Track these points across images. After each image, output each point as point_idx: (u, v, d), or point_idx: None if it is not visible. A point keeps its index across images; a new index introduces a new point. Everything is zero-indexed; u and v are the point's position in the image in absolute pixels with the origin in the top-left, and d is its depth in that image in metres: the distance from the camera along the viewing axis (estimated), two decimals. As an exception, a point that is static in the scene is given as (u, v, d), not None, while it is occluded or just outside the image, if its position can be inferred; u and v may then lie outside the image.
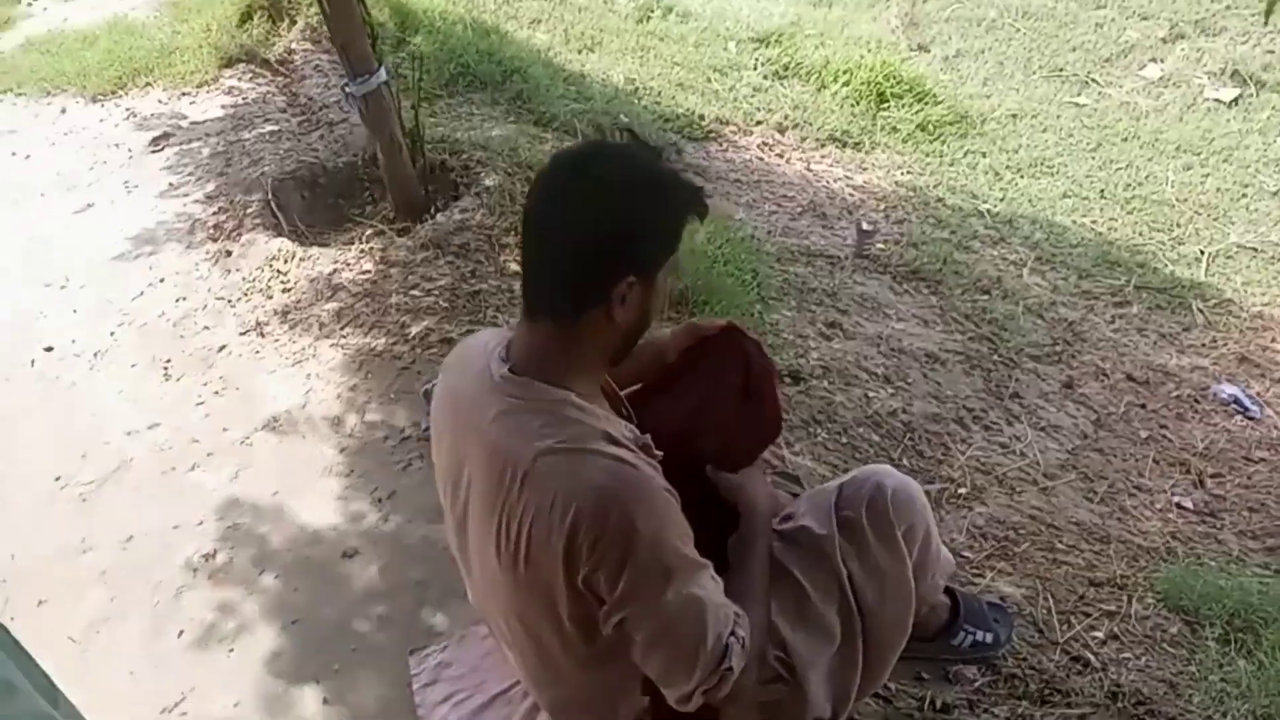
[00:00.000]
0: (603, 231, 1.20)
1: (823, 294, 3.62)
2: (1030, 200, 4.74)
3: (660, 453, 1.31)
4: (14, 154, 4.20)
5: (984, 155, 5.17)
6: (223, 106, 4.18)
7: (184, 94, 4.38)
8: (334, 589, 2.13)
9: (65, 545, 2.36)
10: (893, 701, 1.78)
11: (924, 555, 1.58)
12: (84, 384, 2.87)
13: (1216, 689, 1.94)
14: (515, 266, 2.96)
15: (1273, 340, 3.80)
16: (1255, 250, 4.33)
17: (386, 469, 2.39)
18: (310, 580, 2.16)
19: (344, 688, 1.93)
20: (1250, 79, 5.52)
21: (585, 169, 1.24)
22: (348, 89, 2.99)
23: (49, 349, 3.02)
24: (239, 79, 4.42)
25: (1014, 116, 5.49)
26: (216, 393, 2.72)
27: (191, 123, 4.09)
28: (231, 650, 2.04)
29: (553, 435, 1.21)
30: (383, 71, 3.01)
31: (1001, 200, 4.75)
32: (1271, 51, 5.78)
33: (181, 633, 2.10)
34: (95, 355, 2.96)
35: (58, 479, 2.54)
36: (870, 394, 3.05)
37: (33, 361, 2.98)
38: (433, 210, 3.19)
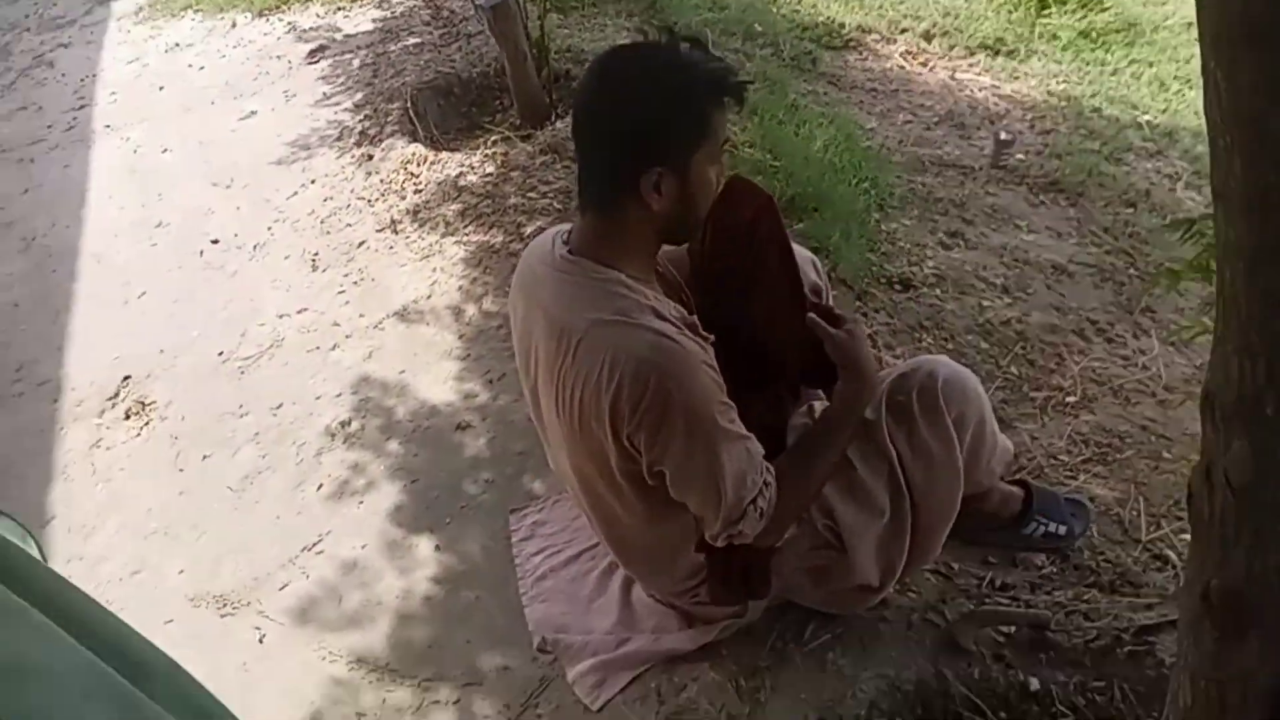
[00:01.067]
0: (620, 126, 1.29)
1: (949, 204, 3.54)
2: (1196, 112, 4.40)
3: (710, 336, 1.40)
4: (189, 65, 4.60)
5: (1150, 65, 4.82)
6: (373, 20, 4.43)
7: (339, 8, 4.66)
8: (448, 456, 2.35)
9: (226, 410, 2.68)
10: (952, 579, 1.83)
11: (977, 443, 1.61)
12: (244, 273, 3.19)
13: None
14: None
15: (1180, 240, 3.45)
16: None
17: (498, 354, 2.58)
18: (428, 448, 2.39)
19: (454, 538, 2.14)
20: None
21: (605, 69, 1.34)
22: (477, 2, 3.13)
23: (215, 241, 3.36)
24: (390, -6, 4.67)
25: (1189, 25, 5.07)
26: (356, 283, 2.98)
27: (345, 35, 4.36)
28: (361, 503, 2.29)
29: (604, 309, 1.33)
30: (510, -17, 3.13)
31: (1164, 112, 4.44)
32: None
33: (320, 486, 2.37)
34: (254, 248, 3.28)
35: (220, 354, 2.87)
36: (985, 303, 3.00)
37: (201, 252, 3.33)
38: (555, 118, 3.32)
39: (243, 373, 2.78)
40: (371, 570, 2.12)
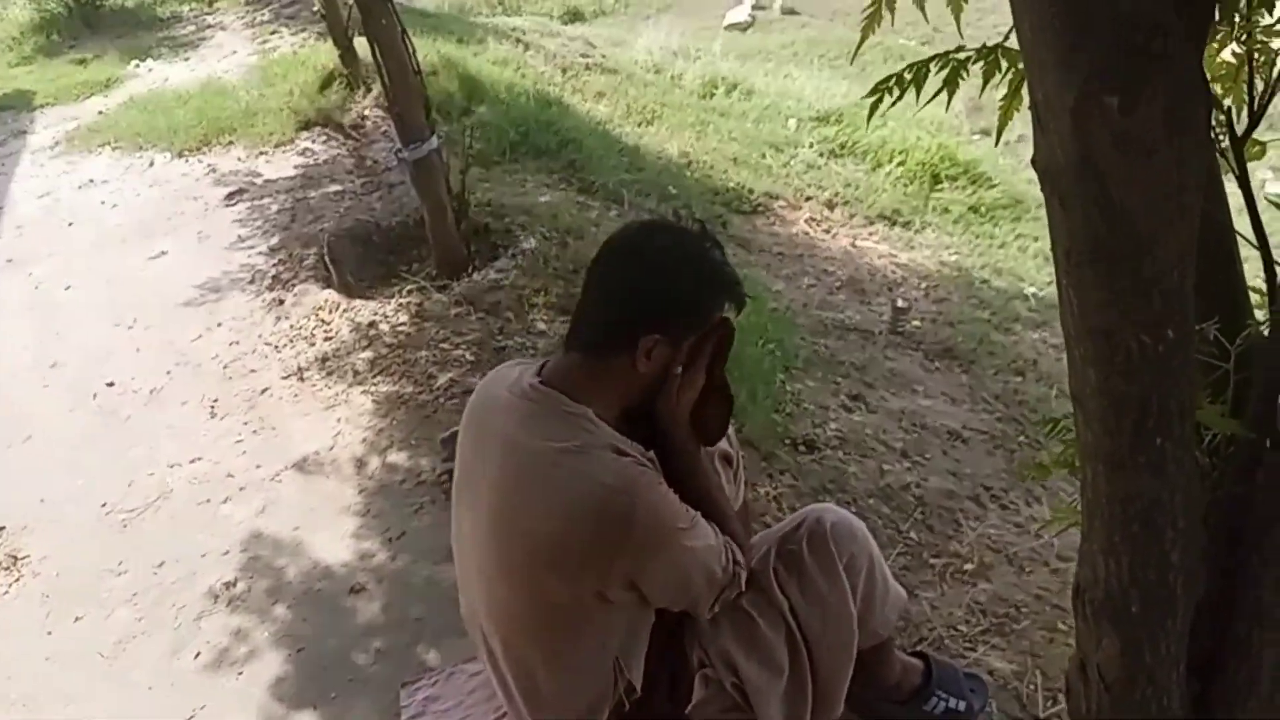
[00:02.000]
0: (641, 290, 1.38)
1: (850, 367, 3.67)
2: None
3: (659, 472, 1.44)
4: (103, 202, 4.55)
5: (1035, 239, 5.19)
6: (295, 166, 4.49)
7: (262, 153, 4.71)
8: (339, 621, 2.25)
9: (104, 567, 2.53)
10: (858, 762, 1.80)
11: (869, 587, 1.63)
12: (138, 418, 3.08)
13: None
14: (543, 325, 3.10)
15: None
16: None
17: (400, 511, 2.51)
18: (318, 612, 2.28)
19: (339, 714, 2.02)
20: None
21: (645, 235, 1.45)
22: (400, 154, 3.21)
23: (110, 384, 3.25)
24: (313, 141, 4.74)
25: (1068, 202, 5.50)
26: (255, 432, 2.90)
27: (265, 180, 4.39)
28: (241, 673, 2.16)
29: (569, 440, 1.36)
30: (434, 139, 3.23)
31: (1049, 284, 4.75)
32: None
33: (198, 655, 2.23)
34: (151, 392, 3.18)
35: (104, 505, 2.73)
36: (885, 466, 3.08)
37: (95, 395, 3.21)
38: (471, 269, 3.37)
39: (125, 526, 2.65)
40: (247, 751, 1.98)
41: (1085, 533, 0.84)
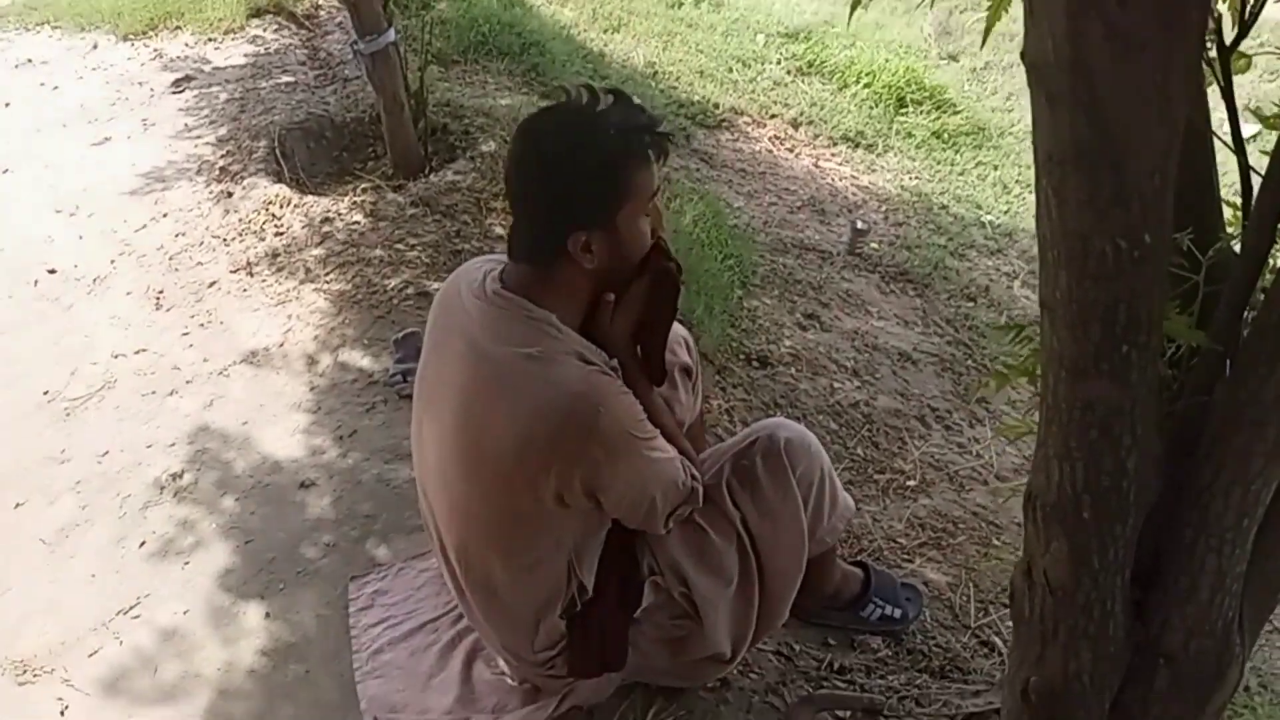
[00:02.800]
0: (543, 191, 1.34)
1: (807, 286, 3.69)
2: (1034, 215, 4.76)
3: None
4: (42, 84, 4.33)
5: (995, 168, 5.20)
6: (245, 55, 4.30)
7: (210, 39, 4.50)
8: (288, 516, 2.24)
9: (46, 454, 2.48)
10: (794, 660, 1.86)
11: (819, 499, 1.68)
12: (81, 307, 2.99)
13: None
14: (500, 230, 3.05)
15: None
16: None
17: (351, 409, 2.49)
18: (267, 506, 2.27)
19: (286, 605, 2.03)
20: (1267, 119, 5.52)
21: (528, 132, 1.37)
22: (355, 46, 3.09)
23: (52, 271, 3.14)
24: (264, 29, 4.54)
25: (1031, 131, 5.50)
26: (202, 325, 2.83)
27: (214, 68, 4.21)
28: (187, 563, 2.15)
29: (532, 345, 1.36)
30: (391, 33, 3.11)
31: (1006, 213, 4.79)
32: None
33: (143, 544, 2.21)
34: (94, 281, 3.08)
35: (45, 393, 2.66)
36: (836, 384, 3.13)
37: (36, 282, 3.11)
38: (428, 170, 3.29)
39: (68, 415, 2.59)
40: (192, 639, 1.98)
41: (1041, 439, 0.85)
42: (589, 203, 1.33)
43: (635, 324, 1.46)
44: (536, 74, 4.42)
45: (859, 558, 2.18)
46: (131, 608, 2.07)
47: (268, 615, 2.01)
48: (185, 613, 2.03)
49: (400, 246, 2.92)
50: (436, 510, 1.60)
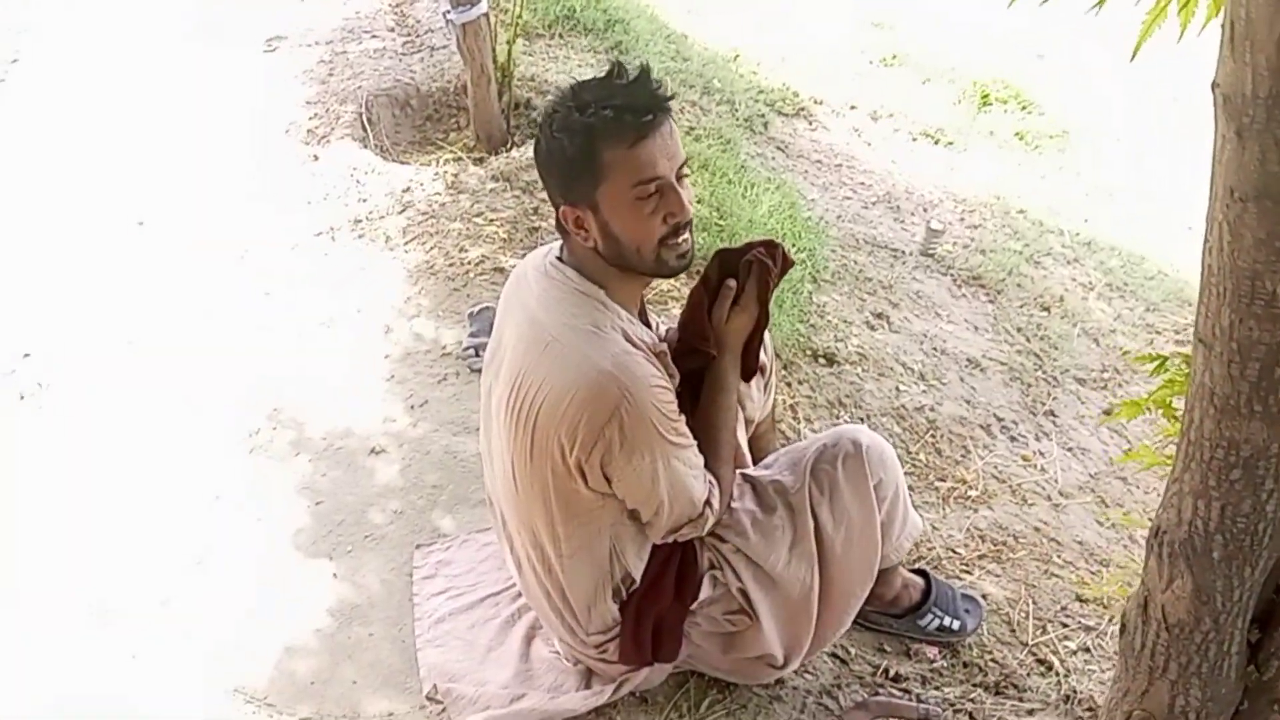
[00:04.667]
0: (540, 171, 1.44)
1: (878, 284, 3.65)
2: (1115, 225, 4.65)
3: (672, 370, 1.46)
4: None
5: (1078, 174, 5.08)
6: (337, 16, 4.36)
7: None
8: (358, 480, 2.30)
9: (129, 403, 2.57)
10: (849, 664, 1.87)
11: (892, 511, 1.67)
12: (168, 262, 3.08)
13: (1169, 715, 1.99)
14: (578, 210, 3.07)
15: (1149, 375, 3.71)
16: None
17: (423, 379, 2.54)
18: (338, 469, 2.33)
19: (353, 568, 2.09)
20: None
21: (545, 115, 1.42)
22: (448, 15, 3.12)
23: (141, 224, 3.24)
24: (356, -10, 4.58)
25: (1118, 139, 5.36)
26: (284, 285, 2.90)
27: (305, 28, 4.27)
28: (259, 519, 2.22)
29: (579, 317, 1.39)
30: (484, 3, 3.13)
31: (1085, 221, 4.67)
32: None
33: (218, 496, 2.29)
34: (182, 235, 3.17)
35: (130, 341, 2.75)
36: (901, 387, 3.10)
37: (129, 231, 3.20)
38: (510, 144, 3.31)
39: (151, 364, 2.68)
40: (260, 595, 2.04)
41: (1176, 474, 0.84)
42: (564, 180, 1.38)
43: (750, 320, 1.49)
44: (620, 52, 4.41)
45: (919, 565, 2.16)
46: (203, 560, 2.14)
47: (335, 576, 2.07)
48: (255, 568, 2.10)
49: (479, 220, 2.96)
50: (497, 482, 1.64)
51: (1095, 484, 3.03)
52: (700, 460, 1.47)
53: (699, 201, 3.39)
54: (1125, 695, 0.93)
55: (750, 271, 1.47)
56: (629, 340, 1.40)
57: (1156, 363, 1.02)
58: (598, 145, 1.32)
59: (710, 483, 1.50)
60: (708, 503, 1.49)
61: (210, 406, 2.52)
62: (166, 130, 3.74)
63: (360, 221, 3.06)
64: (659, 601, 1.61)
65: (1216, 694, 0.87)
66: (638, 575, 1.56)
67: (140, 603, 2.03)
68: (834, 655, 1.89)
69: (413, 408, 2.47)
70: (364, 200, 3.14)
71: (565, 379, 1.37)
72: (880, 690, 1.78)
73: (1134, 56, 0.99)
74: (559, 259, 1.46)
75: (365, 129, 3.46)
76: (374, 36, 4.12)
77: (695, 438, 1.47)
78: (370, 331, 2.71)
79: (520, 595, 1.94)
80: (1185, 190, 4.92)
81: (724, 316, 1.50)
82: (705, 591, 1.64)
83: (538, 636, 1.87)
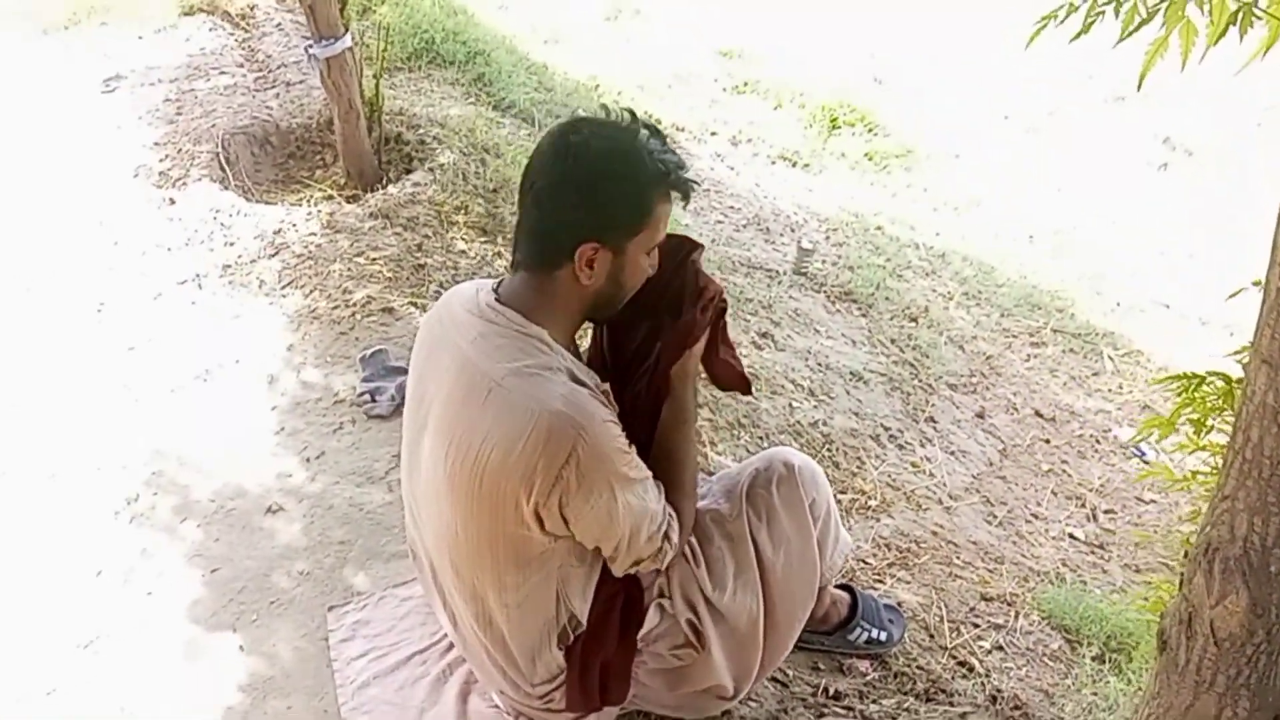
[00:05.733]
0: (569, 197, 1.32)
1: (758, 305, 3.73)
2: (964, 237, 4.93)
3: (615, 407, 1.42)
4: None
5: (925, 190, 5.36)
6: (179, 54, 4.12)
7: (140, 37, 4.29)
8: (256, 543, 2.15)
9: (-18, 478, 2.33)
10: (789, 686, 1.88)
11: (825, 530, 1.69)
12: (15, 321, 2.81)
13: (1088, 701, 2.09)
14: (463, 245, 2.99)
15: (1177, 393, 4.03)
16: (1167, 307, 4.59)
17: (317, 430, 2.41)
18: (232, 532, 2.17)
19: (261, 637, 1.95)
20: (1180, 147, 5.84)
21: (564, 136, 1.34)
22: (311, 50, 3.00)
23: (-20, 280, 2.95)
24: (198, 28, 4.35)
25: (957, 156, 5.70)
26: (149, 339, 2.70)
27: (146, 67, 4.02)
28: (150, 594, 2.04)
29: (523, 360, 1.34)
30: (348, 37, 3.03)
31: (937, 235, 4.93)
32: (1203, 123, 6.11)
33: (100, 573, 2.09)
34: (26, 290, 2.90)
35: (-23, 409, 2.50)
36: (795, 404, 3.17)
37: (-41, 289, 2.92)
38: (385, 181, 3.21)
39: (6, 432, 2.43)
40: (162, 675, 1.88)
41: (1228, 492, 0.85)
42: (611, 219, 1.33)
43: (707, 351, 1.48)
44: (483, 84, 4.36)
45: (843, 581, 2.20)
46: (91, 642, 1.95)
47: (241, 648, 1.92)
48: (151, 646, 1.93)
49: (360, 260, 2.84)
50: (427, 537, 1.56)
51: (979, 485, 3.18)
52: (658, 493, 1.45)
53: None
54: (1167, 711, 0.94)
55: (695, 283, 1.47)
56: (575, 380, 1.36)
57: (1194, 384, 1.04)
58: (656, 197, 1.33)
59: (670, 515, 1.47)
60: (665, 536, 1.46)
61: (79, 476, 2.31)
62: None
63: (229, 267, 2.89)
64: (605, 643, 1.56)
65: (1264, 703, 0.89)
66: (583, 617, 1.52)
67: (23, 694, 1.83)
68: (774, 680, 1.89)
69: (309, 460, 2.33)
70: (231, 244, 2.96)
71: (514, 426, 1.31)
72: (825, 710, 1.79)
73: (1139, 86, 1.01)
74: (497, 299, 1.40)
75: (224, 169, 3.28)
76: (222, 73, 3.92)
77: (655, 470, 1.44)
78: (252, 383, 2.55)
79: (451, 649, 1.86)
80: (1022, 203, 5.30)
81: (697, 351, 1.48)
82: (651, 622, 1.60)
83: (473, 690, 1.78)
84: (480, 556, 1.45)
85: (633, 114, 1.36)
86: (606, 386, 1.42)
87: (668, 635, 1.60)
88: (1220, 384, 1.00)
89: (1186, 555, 0.95)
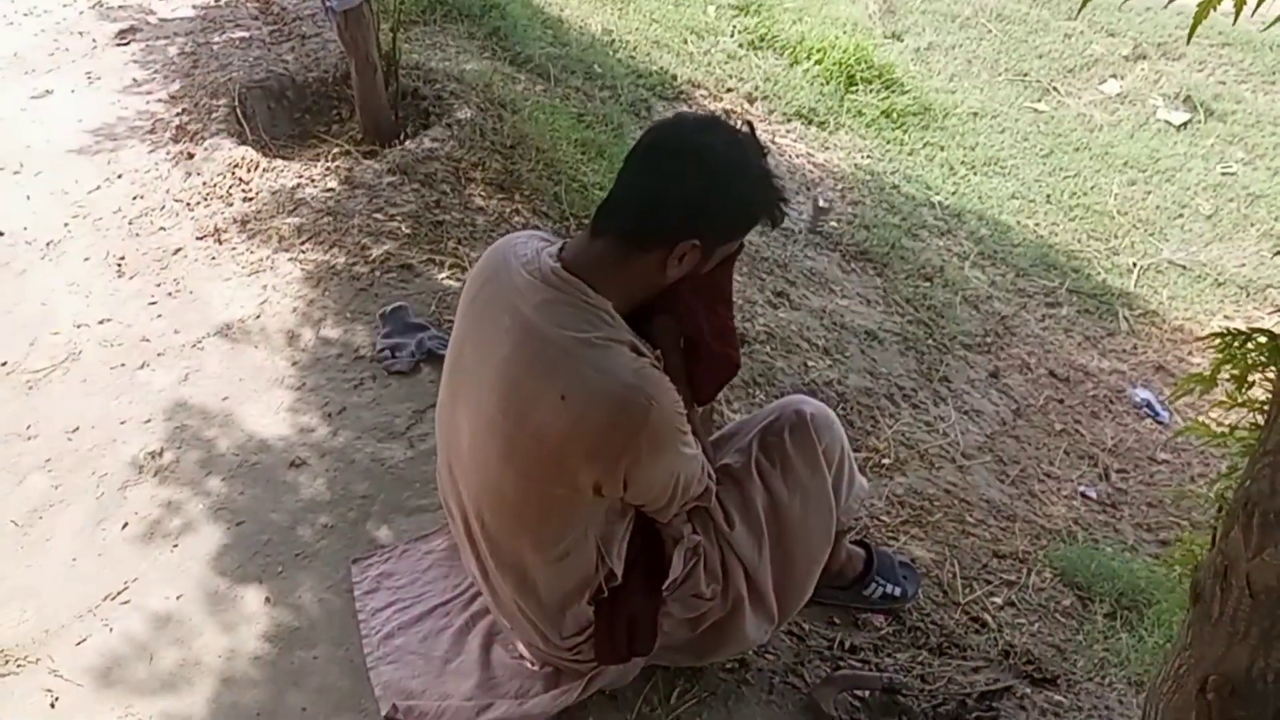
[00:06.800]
0: (691, 192, 1.34)
1: (774, 264, 3.73)
2: (980, 197, 4.89)
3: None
4: (-35, 29, 4.05)
5: (942, 149, 5.30)
6: (193, 6, 4.08)
7: (153, -12, 4.26)
8: (280, 496, 2.18)
9: (10, 430, 2.36)
10: (805, 640, 1.91)
11: (839, 474, 1.72)
12: (35, 272, 2.83)
13: (1099, 657, 2.12)
14: (480, 201, 2.99)
15: (1189, 353, 4.03)
16: (1184, 268, 4.56)
17: (338, 385, 2.43)
18: (256, 486, 2.20)
19: (287, 589, 1.98)
20: (1200, 105, 5.75)
21: (703, 134, 1.37)
22: (328, 3, 2.97)
23: (0, 234, 2.96)
24: (211, -20, 4.31)
25: (975, 115, 5.63)
26: (170, 294, 2.72)
27: (160, 19, 3.99)
28: (175, 546, 2.08)
29: (591, 331, 1.36)
30: (365, -11, 3.00)
31: (953, 194, 4.90)
32: (1223, 82, 6.02)
33: (126, 525, 2.12)
34: (48, 245, 2.91)
35: (3, 364, 2.52)
36: (810, 363, 3.18)
37: (-14, 248, 2.93)
38: (402, 136, 3.19)
39: (31, 388, 2.46)
40: (189, 625, 1.91)
41: (1269, 448, 0.85)
42: (722, 226, 1.38)
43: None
44: (499, 38, 4.32)
45: (860, 537, 2.23)
46: (119, 593, 1.99)
47: (268, 600, 1.96)
48: (179, 598, 1.97)
49: (379, 216, 2.84)
50: (466, 491, 1.58)
51: (992, 444, 3.19)
52: (695, 441, 1.48)
53: (600, 188, 3.37)
54: (1199, 662, 0.96)
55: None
56: (637, 352, 1.38)
57: (1231, 341, 1.04)
58: (759, 217, 1.41)
59: (701, 456, 1.52)
60: (710, 475, 1.54)
61: (102, 430, 2.34)
62: (15, 134, 3.43)
63: (248, 222, 2.89)
64: (633, 595, 1.59)
65: None
66: (620, 571, 1.55)
67: (53, 646, 1.87)
68: (790, 633, 1.92)
69: (330, 416, 2.36)
70: (249, 200, 2.97)
71: (589, 396, 1.34)
72: (841, 663, 1.83)
73: (1189, 39, 0.97)
74: (562, 266, 1.39)
75: (241, 123, 3.27)
76: (238, 25, 3.89)
77: None
78: (273, 339, 2.57)
79: (473, 601, 1.89)
80: (1039, 162, 5.25)
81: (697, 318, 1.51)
82: (675, 570, 1.63)
83: (496, 642, 1.82)
84: (523, 516, 1.49)
85: (752, 129, 1.41)
86: (659, 354, 1.46)
87: (690, 580, 1.63)
88: (1264, 340, 1.01)
89: (1221, 510, 0.96)
